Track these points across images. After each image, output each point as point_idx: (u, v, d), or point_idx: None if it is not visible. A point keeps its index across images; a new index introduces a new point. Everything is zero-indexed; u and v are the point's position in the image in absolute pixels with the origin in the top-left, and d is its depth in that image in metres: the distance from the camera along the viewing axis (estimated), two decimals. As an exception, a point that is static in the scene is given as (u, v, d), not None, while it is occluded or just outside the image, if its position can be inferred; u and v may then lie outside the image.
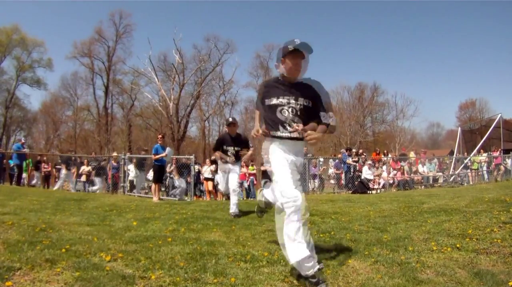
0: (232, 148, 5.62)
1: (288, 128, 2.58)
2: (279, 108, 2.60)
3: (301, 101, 2.60)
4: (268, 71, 41.89)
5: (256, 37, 60.29)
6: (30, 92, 59.03)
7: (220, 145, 5.75)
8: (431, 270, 2.45)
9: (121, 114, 39.32)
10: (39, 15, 51.44)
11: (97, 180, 12.18)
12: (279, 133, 2.59)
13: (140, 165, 11.67)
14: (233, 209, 5.35)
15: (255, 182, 12.66)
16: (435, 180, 13.78)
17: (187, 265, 2.52)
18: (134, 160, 12.03)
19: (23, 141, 14.59)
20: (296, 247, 2.21)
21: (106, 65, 37.06)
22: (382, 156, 14.71)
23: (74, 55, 36.33)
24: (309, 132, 2.44)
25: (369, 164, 12.36)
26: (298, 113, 2.59)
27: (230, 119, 5.85)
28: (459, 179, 14.52)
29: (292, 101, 2.59)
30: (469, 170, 15.03)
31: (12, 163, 12.52)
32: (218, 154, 5.77)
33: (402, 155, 15.94)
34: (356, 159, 12.62)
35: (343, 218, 4.75)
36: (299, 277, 2.27)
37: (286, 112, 2.59)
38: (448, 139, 42.97)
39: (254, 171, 12.70)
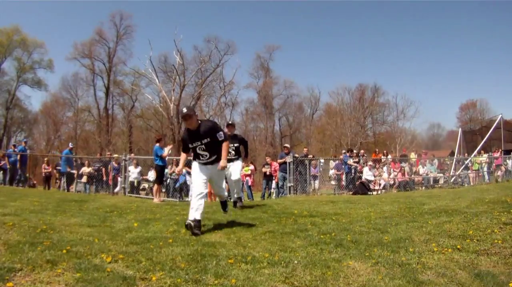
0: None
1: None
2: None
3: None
4: (269, 72, 42.08)
5: (257, 38, 60.58)
6: (31, 93, 59.09)
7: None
8: (431, 271, 2.45)
9: (121, 115, 39.42)
10: (39, 16, 51.63)
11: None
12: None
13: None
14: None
15: (250, 183, 12.59)
16: (436, 181, 13.76)
17: (188, 266, 2.52)
18: (135, 161, 12.05)
19: (71, 146, 13.68)
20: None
21: (107, 66, 37.16)
22: (382, 156, 14.71)
23: (74, 56, 36.46)
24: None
25: (370, 165, 12.35)
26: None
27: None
28: (459, 180, 14.51)
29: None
30: (469, 171, 15.01)
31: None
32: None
33: (403, 156, 15.94)
34: (357, 160, 12.62)
35: (343, 219, 4.75)
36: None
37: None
38: (449, 140, 42.91)
39: (250, 172, 12.65)
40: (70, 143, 14.79)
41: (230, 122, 6.88)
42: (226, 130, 6.24)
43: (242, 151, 6.68)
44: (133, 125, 38.29)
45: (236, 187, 6.45)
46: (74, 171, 12.27)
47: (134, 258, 2.67)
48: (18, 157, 12.37)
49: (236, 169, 6.35)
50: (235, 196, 6.43)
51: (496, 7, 51.08)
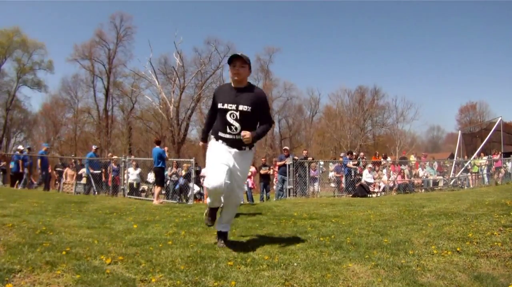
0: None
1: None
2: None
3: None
4: (269, 74, 42.12)
5: (256, 40, 60.66)
6: (31, 94, 59.43)
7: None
8: (431, 273, 2.45)
9: (121, 117, 39.47)
10: (40, 17, 51.78)
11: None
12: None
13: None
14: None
15: (250, 185, 12.51)
16: (436, 183, 13.78)
17: (188, 268, 2.52)
18: (134, 162, 12.06)
19: (95, 148, 13.44)
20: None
21: (107, 68, 37.22)
22: (381, 159, 14.72)
23: (74, 58, 36.53)
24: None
25: (369, 167, 12.36)
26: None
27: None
28: (459, 182, 14.52)
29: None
30: (469, 174, 15.02)
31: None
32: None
33: (403, 159, 15.94)
34: (357, 162, 12.63)
35: (343, 221, 4.75)
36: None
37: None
38: (449, 143, 43.02)
39: (250, 174, 12.57)
40: (93, 146, 14.60)
41: (239, 54, 3.11)
42: (230, 74, 3.12)
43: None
44: (133, 126, 38.29)
45: (230, 207, 3.31)
46: (98, 172, 12.21)
47: (134, 260, 2.67)
48: (39, 161, 12.34)
49: (240, 171, 3.18)
50: (222, 224, 3.33)
51: (496, 7, 51.26)
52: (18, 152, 13.25)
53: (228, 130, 3.07)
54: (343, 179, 12.21)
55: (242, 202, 6.18)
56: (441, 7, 54.35)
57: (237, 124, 3.04)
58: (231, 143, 3.10)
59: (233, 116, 3.04)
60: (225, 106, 3.05)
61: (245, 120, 3.05)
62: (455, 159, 17.41)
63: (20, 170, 12.32)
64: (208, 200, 3.22)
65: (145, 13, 53.07)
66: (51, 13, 52.45)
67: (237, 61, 3.07)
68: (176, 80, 34.37)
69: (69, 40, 60.64)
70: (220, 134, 3.13)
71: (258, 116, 3.15)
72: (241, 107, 3.03)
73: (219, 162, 3.02)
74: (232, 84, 3.13)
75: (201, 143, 3.57)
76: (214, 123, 3.26)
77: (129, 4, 51.84)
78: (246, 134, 2.98)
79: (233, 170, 3.08)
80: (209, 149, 3.22)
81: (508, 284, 2.21)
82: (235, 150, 3.10)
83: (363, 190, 11.10)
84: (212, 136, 3.26)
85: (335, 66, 59.78)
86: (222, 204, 3.28)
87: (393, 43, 58.33)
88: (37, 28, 53.86)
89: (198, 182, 11.19)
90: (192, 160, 10.84)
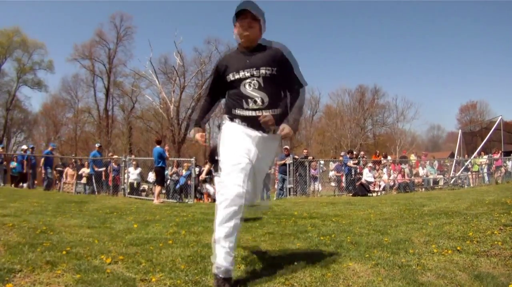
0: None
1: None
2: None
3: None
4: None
5: (257, 40, 60.54)
6: (31, 94, 59.45)
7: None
8: (431, 272, 2.45)
9: (121, 117, 39.46)
10: (40, 17, 51.76)
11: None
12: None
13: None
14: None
15: None
16: (436, 182, 13.78)
17: (188, 267, 2.52)
18: (135, 162, 12.06)
19: (97, 146, 13.24)
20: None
21: (107, 68, 37.20)
22: (381, 158, 14.72)
23: (75, 57, 36.52)
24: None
25: (370, 166, 12.35)
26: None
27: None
28: (459, 181, 14.52)
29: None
30: (469, 173, 15.02)
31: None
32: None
33: (403, 158, 15.93)
34: (357, 161, 12.63)
35: (343, 220, 4.75)
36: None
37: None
38: (449, 142, 43.00)
39: None
40: (96, 144, 14.60)
41: (247, 8, 2.24)
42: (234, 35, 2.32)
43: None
44: (133, 126, 38.29)
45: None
46: (103, 169, 12.17)
47: (134, 259, 2.67)
48: (42, 160, 12.36)
49: (259, 167, 2.30)
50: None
51: (496, 7, 51.22)
52: (22, 152, 13.27)
53: (248, 105, 2.23)
54: (344, 178, 12.21)
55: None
56: (441, 7, 54.35)
57: (260, 94, 2.21)
58: (252, 122, 2.21)
59: (253, 85, 2.21)
60: (240, 74, 2.24)
61: (270, 87, 2.24)
62: (455, 158, 17.41)
63: (24, 171, 12.35)
64: (216, 222, 2.17)
65: (145, 13, 53.04)
66: (51, 13, 52.46)
67: (245, 18, 2.25)
68: (176, 80, 34.37)
69: (69, 40, 60.75)
70: (237, 111, 2.26)
71: (286, 77, 2.29)
72: (263, 70, 2.22)
73: (237, 155, 2.14)
74: (239, 48, 2.35)
75: (197, 135, 2.44)
76: (226, 101, 2.38)
77: (129, 4, 51.85)
78: (266, 117, 2.17)
79: (254, 164, 2.17)
80: (223, 136, 2.29)
81: (508, 283, 2.21)
82: (257, 133, 2.20)
83: (364, 189, 11.11)
84: (226, 117, 2.34)
85: (335, 65, 59.85)
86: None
87: (393, 43, 58.36)
88: (37, 28, 53.97)
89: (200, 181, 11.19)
90: (193, 159, 10.86)
